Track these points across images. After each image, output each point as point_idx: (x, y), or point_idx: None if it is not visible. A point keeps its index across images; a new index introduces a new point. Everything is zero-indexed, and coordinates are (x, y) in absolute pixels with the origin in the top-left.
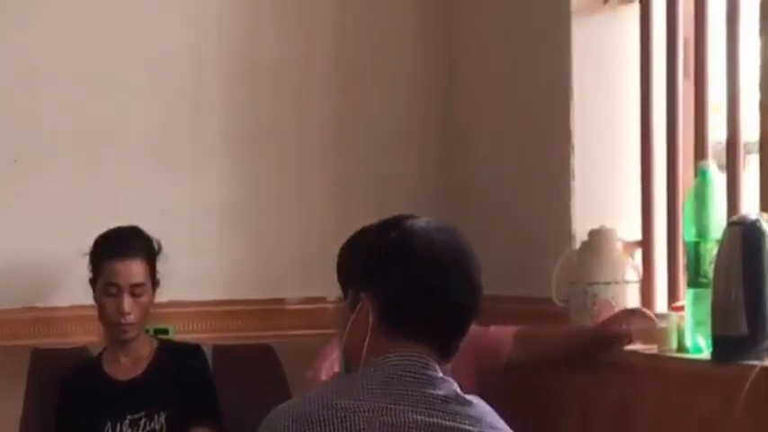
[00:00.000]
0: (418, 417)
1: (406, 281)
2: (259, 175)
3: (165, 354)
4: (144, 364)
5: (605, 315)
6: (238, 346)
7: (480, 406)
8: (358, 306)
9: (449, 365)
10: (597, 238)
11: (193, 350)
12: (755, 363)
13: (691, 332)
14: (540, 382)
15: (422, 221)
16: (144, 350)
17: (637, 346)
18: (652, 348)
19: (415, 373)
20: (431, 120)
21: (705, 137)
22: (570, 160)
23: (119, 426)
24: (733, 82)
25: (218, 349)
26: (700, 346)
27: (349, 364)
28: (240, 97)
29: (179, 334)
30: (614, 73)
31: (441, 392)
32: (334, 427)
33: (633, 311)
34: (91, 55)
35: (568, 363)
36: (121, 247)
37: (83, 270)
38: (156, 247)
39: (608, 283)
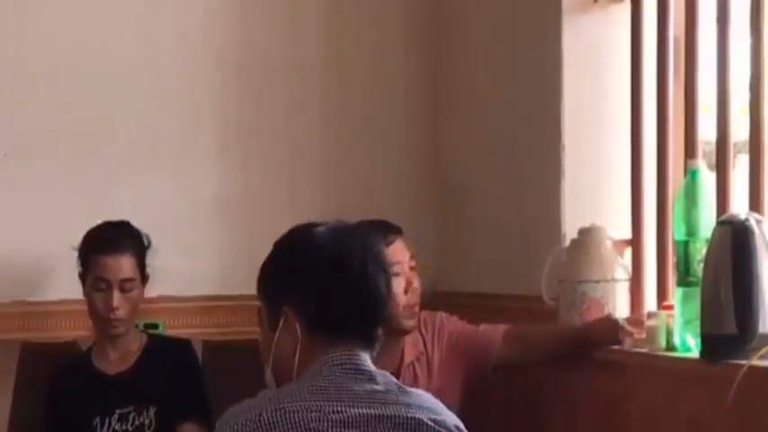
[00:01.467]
0: (365, 410)
1: (327, 286)
2: (250, 172)
3: (154, 349)
4: (133, 359)
5: (595, 313)
6: (228, 342)
7: (421, 395)
8: (281, 322)
9: (375, 354)
10: (587, 236)
11: (183, 345)
12: (744, 362)
13: (680, 331)
14: (529, 380)
15: (323, 226)
16: (133, 345)
17: (626, 346)
18: (641, 347)
19: (354, 371)
20: (421, 119)
21: (695, 136)
22: (561, 159)
23: (108, 420)
24: (723, 82)
25: (207, 345)
26: (689, 344)
27: (280, 380)
28: (233, 96)
29: (169, 329)
30: (605, 72)
31: (381, 386)
32: (284, 429)
33: (619, 324)
34: (83, 53)
35: (557, 361)
36: (111, 242)
37: (73, 264)
38: (146, 242)
39: (597, 282)
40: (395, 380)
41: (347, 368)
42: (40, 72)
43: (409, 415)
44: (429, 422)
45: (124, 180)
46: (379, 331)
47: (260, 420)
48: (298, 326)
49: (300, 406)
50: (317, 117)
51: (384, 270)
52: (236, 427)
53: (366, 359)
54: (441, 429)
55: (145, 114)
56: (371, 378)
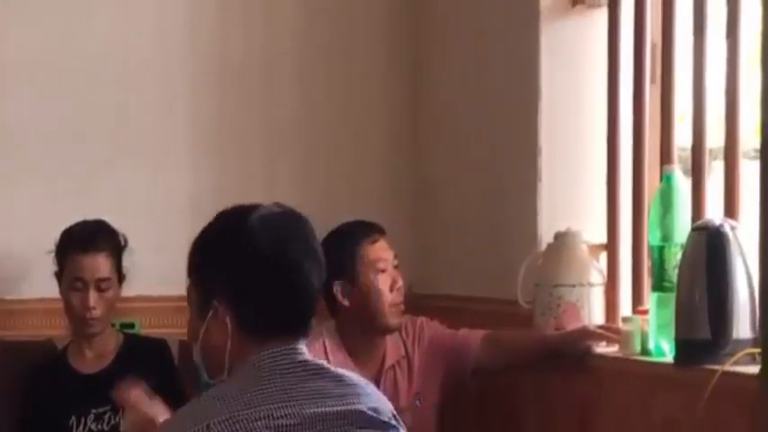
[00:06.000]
0: (311, 410)
1: (260, 286)
2: (226, 171)
3: (130, 348)
4: (109, 359)
5: (570, 317)
6: None
7: (358, 382)
8: (210, 313)
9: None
10: (563, 240)
11: (159, 345)
12: (717, 367)
13: (654, 335)
14: (504, 383)
15: (258, 213)
16: (109, 344)
17: (601, 350)
18: (616, 351)
19: (294, 367)
20: (397, 120)
21: (671, 141)
22: (537, 162)
23: (83, 420)
24: (699, 88)
25: (184, 344)
26: (663, 349)
27: (210, 363)
28: (207, 94)
29: (145, 329)
30: (582, 77)
31: (323, 381)
32: None
33: (597, 333)
34: (57, 50)
35: (533, 366)
36: (87, 241)
37: (48, 263)
38: (123, 241)
39: (573, 286)
40: (330, 367)
41: (287, 365)
42: (12, 68)
43: (351, 407)
44: (369, 411)
45: (100, 179)
46: (312, 321)
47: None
48: (228, 321)
49: (248, 414)
50: (293, 116)
51: (319, 262)
52: None
53: (303, 350)
54: (379, 417)
55: (120, 113)
56: (311, 370)
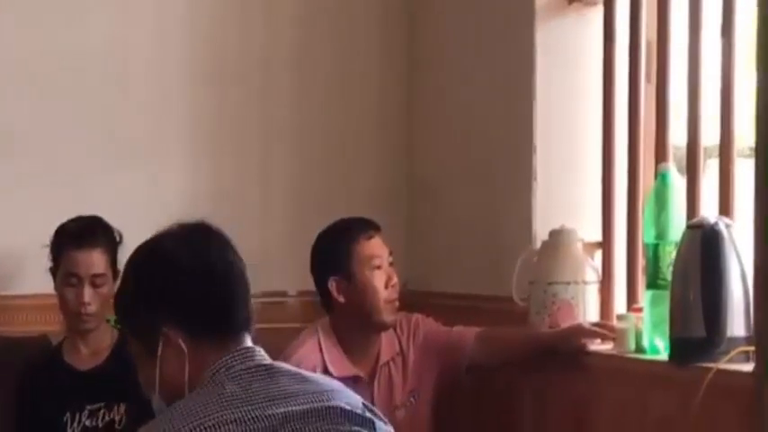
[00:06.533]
0: (284, 409)
1: (197, 294)
2: (222, 168)
3: (125, 345)
4: (104, 355)
5: (565, 315)
6: None
7: (324, 379)
8: (161, 344)
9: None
10: (558, 238)
11: None
12: (712, 365)
13: (649, 333)
14: (498, 381)
15: (162, 236)
16: (104, 341)
17: (595, 347)
18: (610, 349)
19: (257, 367)
20: (392, 119)
21: (666, 139)
22: (532, 161)
23: (78, 416)
24: (694, 86)
25: None
26: (657, 347)
27: (176, 399)
28: (205, 93)
29: None
30: (577, 75)
31: (286, 380)
32: None
33: (591, 330)
34: (54, 48)
35: (528, 363)
36: (82, 236)
37: (43, 259)
38: (118, 237)
39: (568, 284)
40: (292, 368)
41: (250, 367)
42: (9, 68)
43: (327, 404)
44: (345, 406)
45: (95, 175)
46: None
47: None
48: (181, 341)
49: (216, 420)
50: (288, 115)
51: (239, 259)
52: None
53: (261, 351)
54: (355, 411)
55: (116, 110)
56: (272, 371)
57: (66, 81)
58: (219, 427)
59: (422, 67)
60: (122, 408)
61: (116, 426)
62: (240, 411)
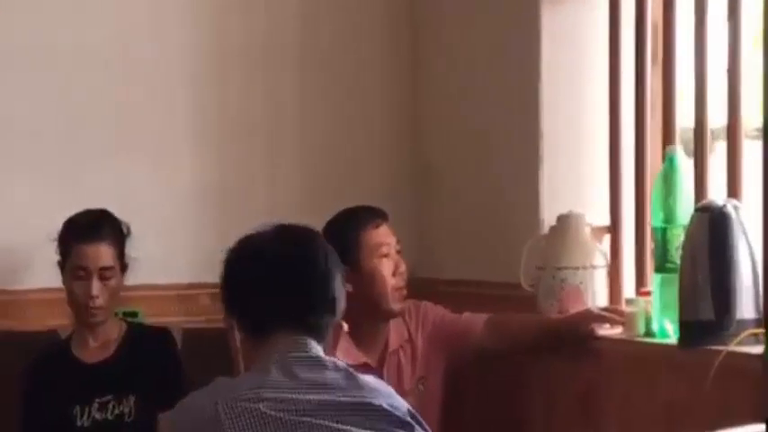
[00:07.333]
0: (321, 397)
1: (253, 292)
2: (228, 158)
3: (133, 337)
4: (113, 348)
5: (573, 300)
6: (206, 330)
7: (373, 380)
8: (237, 329)
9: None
10: (565, 223)
11: (162, 333)
12: (721, 347)
13: (658, 317)
14: (507, 366)
15: (257, 234)
16: (113, 333)
17: (605, 332)
18: (619, 333)
19: (306, 358)
20: (398, 105)
21: (673, 122)
22: (539, 145)
23: (87, 409)
24: (701, 68)
25: (187, 333)
26: (666, 330)
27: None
28: (210, 81)
29: (147, 317)
30: (583, 58)
31: (332, 374)
32: (241, 424)
33: (600, 315)
34: (58, 40)
35: (537, 349)
36: (90, 230)
37: (50, 253)
38: (125, 230)
39: (576, 269)
40: (346, 366)
41: (300, 357)
42: (13, 58)
43: (367, 401)
44: (387, 407)
45: (101, 169)
46: (326, 320)
47: (215, 417)
48: (245, 330)
49: (253, 395)
50: (294, 103)
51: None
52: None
53: (314, 345)
54: (396, 413)
55: (121, 102)
56: (323, 364)
57: (69, 72)
58: (255, 402)
59: (427, 53)
60: (132, 400)
61: (126, 418)
62: (276, 392)
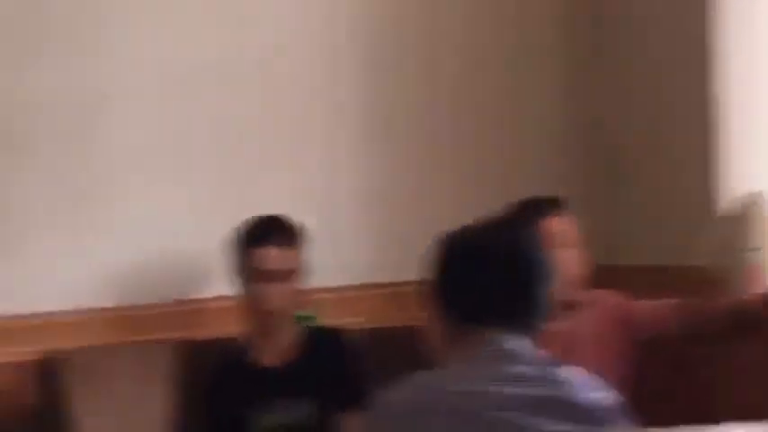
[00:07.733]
0: (522, 391)
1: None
2: (394, 160)
3: (311, 340)
4: (291, 352)
5: (755, 281)
6: (383, 330)
7: (575, 374)
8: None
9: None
10: (744, 202)
11: (340, 335)
12: None
13: None
14: (696, 352)
15: (476, 228)
16: (290, 337)
17: None
18: None
19: (506, 353)
20: (575, 92)
21: None
22: (714, 122)
23: (268, 413)
24: None
25: (364, 333)
26: None
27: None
28: (372, 87)
29: (323, 319)
30: (760, 22)
31: (532, 368)
32: (443, 413)
33: None
34: (217, 56)
35: (728, 335)
36: (268, 234)
37: (223, 262)
38: (302, 233)
39: (759, 249)
40: (549, 359)
41: (498, 351)
42: (174, 75)
43: (565, 396)
44: (582, 401)
45: (270, 175)
46: (537, 318)
47: (417, 410)
48: (442, 320)
49: (458, 388)
50: (458, 95)
51: (513, 261)
52: (391, 410)
53: (517, 341)
54: (595, 410)
55: (286, 111)
56: (522, 359)
57: (231, 85)
58: (458, 395)
59: (606, 25)
60: (312, 403)
61: (306, 421)
62: (461, 385)
